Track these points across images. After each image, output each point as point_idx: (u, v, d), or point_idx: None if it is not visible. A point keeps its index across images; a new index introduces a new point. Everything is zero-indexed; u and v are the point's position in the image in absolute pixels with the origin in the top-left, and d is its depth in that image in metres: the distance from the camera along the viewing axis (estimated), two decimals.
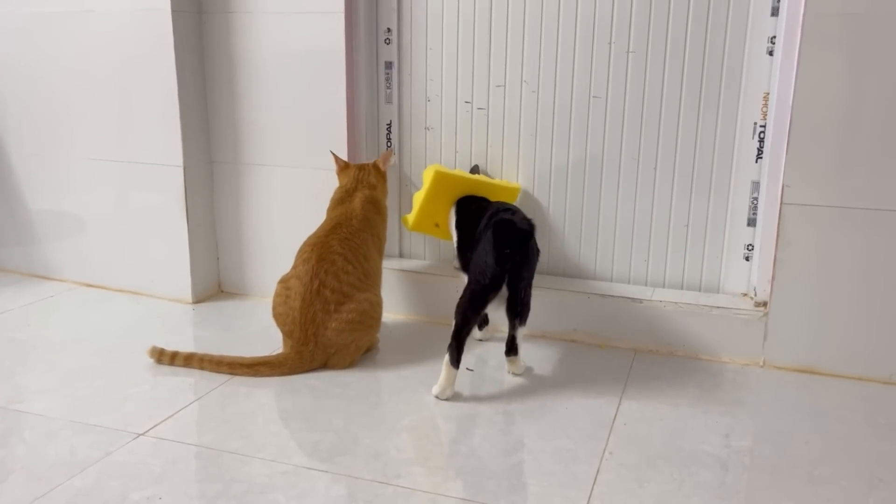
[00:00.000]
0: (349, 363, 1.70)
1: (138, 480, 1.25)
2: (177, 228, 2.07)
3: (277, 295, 1.72)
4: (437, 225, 1.90)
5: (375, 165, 1.87)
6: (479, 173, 1.94)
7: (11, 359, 1.73)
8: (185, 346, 1.78)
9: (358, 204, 1.80)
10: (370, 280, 1.74)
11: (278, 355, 1.68)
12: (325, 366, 1.69)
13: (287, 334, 1.69)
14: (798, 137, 1.62)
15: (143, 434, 1.40)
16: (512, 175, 1.95)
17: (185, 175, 2.04)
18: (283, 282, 1.72)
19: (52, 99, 2.15)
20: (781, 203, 1.66)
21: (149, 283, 2.16)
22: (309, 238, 1.76)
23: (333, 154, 1.88)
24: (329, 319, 1.65)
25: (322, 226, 1.78)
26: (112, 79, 2.06)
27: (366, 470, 1.29)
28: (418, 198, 1.87)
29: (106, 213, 2.18)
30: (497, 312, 1.62)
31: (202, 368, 1.66)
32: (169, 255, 2.10)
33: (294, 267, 1.72)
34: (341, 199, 1.82)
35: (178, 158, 2.02)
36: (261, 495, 1.21)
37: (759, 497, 1.23)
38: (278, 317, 1.71)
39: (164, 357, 1.68)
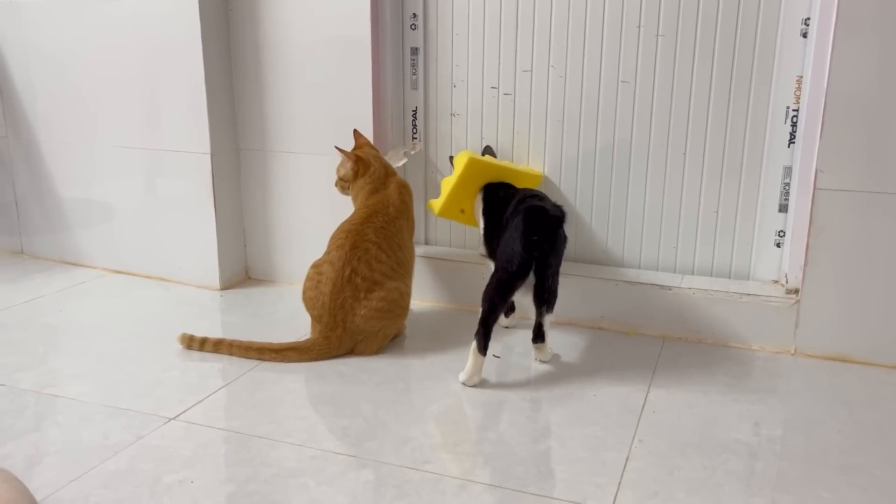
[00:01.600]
0: (376, 350, 1.70)
1: (170, 464, 1.26)
2: (204, 216, 2.09)
3: (308, 279, 1.72)
4: (462, 211, 1.89)
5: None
6: (492, 154, 1.93)
7: (45, 344, 1.76)
8: (213, 332, 1.79)
9: (394, 190, 1.79)
10: (403, 269, 1.74)
11: (306, 341, 1.69)
12: (352, 352, 1.70)
13: (316, 319, 1.69)
14: (832, 121, 1.59)
15: (173, 418, 1.41)
16: (539, 161, 1.94)
17: (212, 162, 2.05)
18: (316, 267, 1.73)
19: (81, 87, 2.17)
20: (815, 188, 1.63)
21: (177, 270, 2.18)
22: (344, 224, 1.76)
23: (340, 148, 1.82)
24: (358, 306, 1.65)
25: (357, 213, 1.77)
26: (140, 66, 2.08)
27: (394, 455, 1.29)
28: (447, 183, 1.86)
29: (135, 200, 2.20)
30: (524, 299, 1.62)
31: (231, 354, 1.68)
32: (197, 242, 2.12)
33: (327, 252, 1.73)
34: (375, 188, 1.79)
35: (206, 146, 2.04)
36: (290, 479, 1.22)
37: (792, 486, 1.22)
38: (308, 301, 1.71)
39: (194, 343, 1.70)
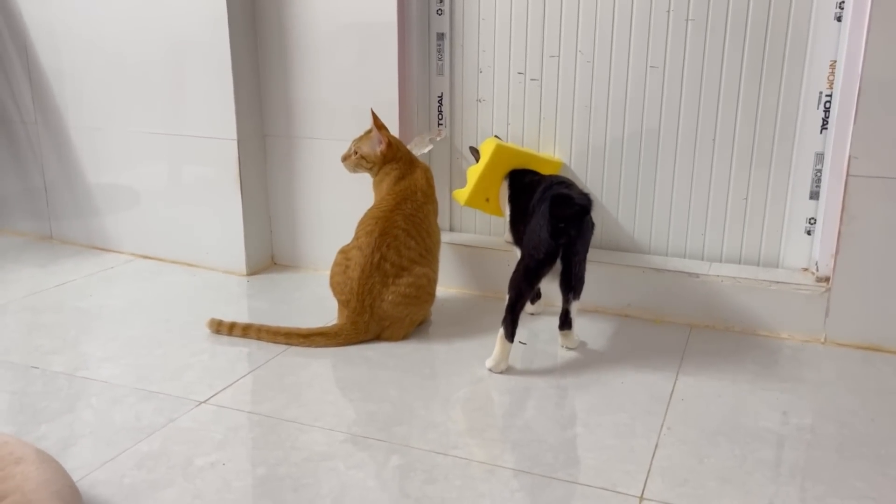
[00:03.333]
0: (403, 336, 1.71)
1: (202, 446, 1.28)
2: (231, 201, 2.10)
3: (336, 265, 1.73)
4: (487, 200, 1.89)
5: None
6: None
7: (76, 328, 1.78)
8: (240, 317, 1.81)
9: (420, 175, 1.79)
10: (430, 255, 1.74)
11: (333, 326, 1.70)
12: (378, 338, 1.70)
13: (343, 304, 1.70)
14: (867, 107, 1.56)
15: (204, 402, 1.43)
16: (565, 147, 1.93)
17: (238, 149, 2.06)
18: (344, 252, 1.73)
19: (109, 73, 2.19)
20: (847, 175, 1.61)
21: (204, 256, 2.20)
22: (372, 210, 1.76)
23: (378, 123, 1.78)
24: (386, 292, 1.66)
25: (386, 200, 1.75)
26: (167, 52, 2.09)
27: (422, 440, 1.30)
28: (474, 172, 1.85)
29: (162, 186, 2.22)
30: (551, 286, 1.61)
31: (259, 339, 1.69)
32: (223, 228, 2.14)
33: (356, 238, 1.73)
34: (402, 174, 1.78)
35: (232, 132, 2.04)
36: (321, 463, 1.23)
37: (824, 475, 1.21)
38: (336, 286, 1.72)
39: (223, 328, 1.71)
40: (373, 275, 1.66)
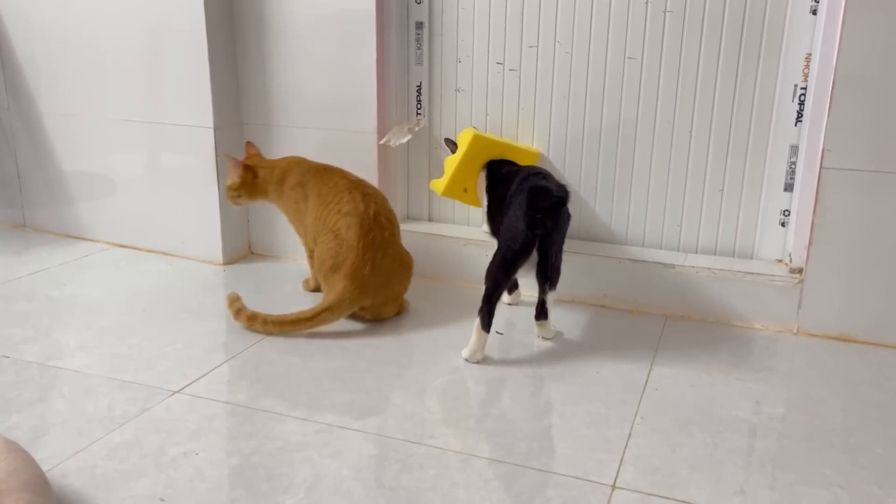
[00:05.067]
0: (395, 312, 1.75)
1: (175, 436, 1.27)
2: (208, 190, 2.08)
3: (325, 243, 1.69)
4: (465, 190, 1.88)
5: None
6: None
7: (49, 316, 1.76)
8: (217, 307, 1.80)
9: (325, 176, 1.80)
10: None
11: (332, 296, 1.66)
12: (374, 316, 1.71)
13: (334, 269, 1.66)
14: (841, 100, 1.58)
15: (178, 392, 1.42)
16: (544, 137, 1.93)
17: (215, 137, 2.04)
18: (328, 232, 1.70)
19: (84, 59, 2.16)
20: (821, 167, 1.62)
21: (180, 245, 2.18)
22: (335, 196, 1.72)
23: (228, 156, 1.83)
24: (387, 245, 1.67)
25: (339, 185, 1.74)
26: (143, 39, 2.06)
27: (398, 430, 1.30)
28: (451, 162, 1.85)
29: (138, 174, 2.19)
30: (527, 277, 1.62)
31: (267, 331, 1.65)
32: (200, 217, 2.12)
33: (336, 212, 1.70)
34: (301, 179, 1.79)
35: (209, 120, 2.03)
36: (295, 453, 1.23)
37: (794, 464, 1.23)
38: (325, 255, 1.68)
39: (236, 309, 1.67)
40: (372, 229, 1.66)
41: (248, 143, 1.93)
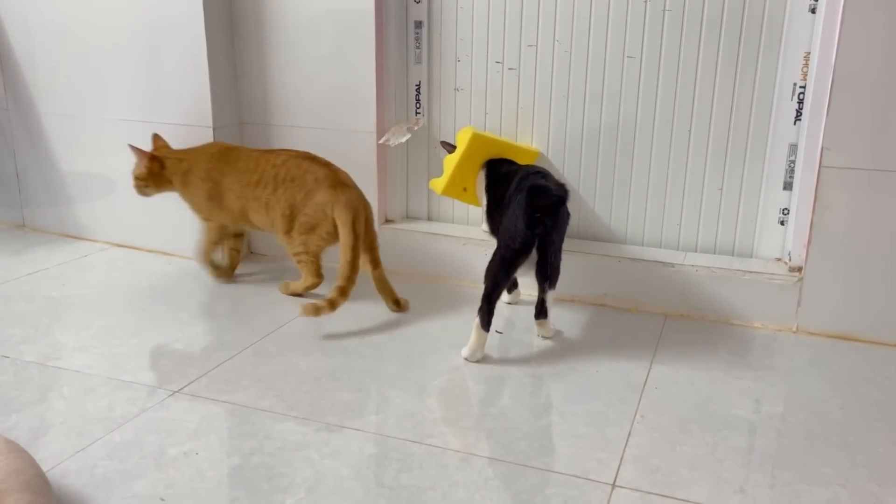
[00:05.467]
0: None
1: (175, 436, 1.27)
2: None
3: (291, 210, 1.79)
4: (464, 189, 1.88)
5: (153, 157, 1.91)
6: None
7: (48, 316, 1.76)
8: (215, 305, 1.81)
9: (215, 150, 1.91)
10: None
11: (343, 214, 1.73)
12: (371, 260, 1.80)
13: (310, 192, 1.77)
14: (840, 99, 1.58)
15: (178, 391, 1.42)
16: (543, 137, 1.93)
17: (214, 136, 2.04)
18: (287, 199, 1.79)
19: (83, 59, 2.16)
20: (820, 166, 1.62)
21: (179, 244, 2.17)
22: (273, 169, 1.82)
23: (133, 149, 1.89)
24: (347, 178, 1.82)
25: (260, 162, 1.84)
26: (142, 39, 2.06)
27: (398, 429, 1.30)
28: (450, 161, 1.85)
29: None
30: (527, 276, 1.61)
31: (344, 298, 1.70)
32: None
33: (285, 182, 1.79)
34: (210, 166, 1.87)
35: (208, 119, 2.02)
36: (295, 452, 1.23)
37: (793, 462, 1.23)
38: (305, 223, 1.78)
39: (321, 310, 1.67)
40: (337, 167, 1.80)
41: (155, 136, 1.96)
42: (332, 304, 1.66)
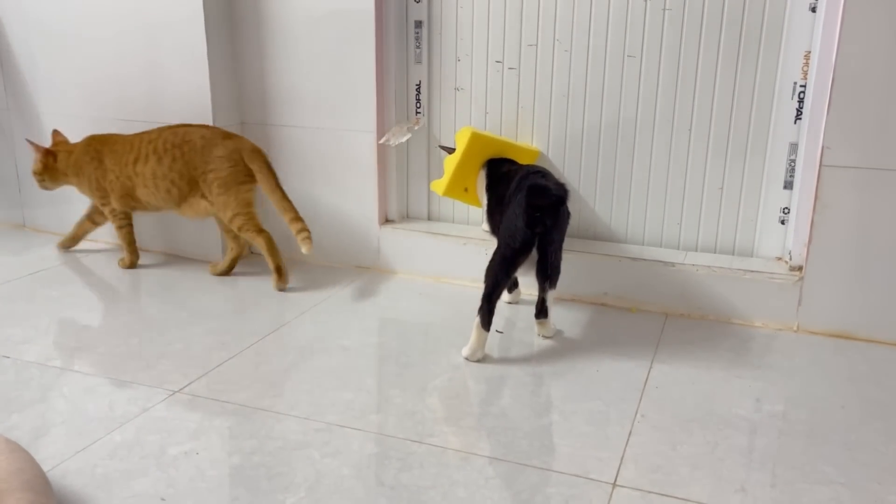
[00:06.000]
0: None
1: (176, 436, 1.27)
2: None
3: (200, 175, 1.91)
4: (465, 190, 1.88)
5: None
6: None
7: (49, 316, 1.76)
8: (216, 305, 1.80)
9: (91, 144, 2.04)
10: None
11: (257, 163, 1.90)
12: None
13: (205, 150, 1.89)
14: (840, 98, 1.58)
15: (178, 391, 1.42)
16: (543, 136, 1.93)
17: None
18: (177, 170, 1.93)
19: (83, 59, 2.16)
20: (820, 165, 1.62)
21: (180, 244, 2.18)
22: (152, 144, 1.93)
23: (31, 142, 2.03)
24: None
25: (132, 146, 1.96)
26: (142, 39, 2.06)
27: (398, 429, 1.30)
28: (451, 162, 1.85)
29: None
30: (527, 275, 1.61)
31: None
32: None
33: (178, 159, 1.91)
34: (87, 155, 2.01)
35: (209, 120, 2.02)
36: (295, 451, 1.23)
37: (795, 461, 1.23)
38: (224, 175, 1.89)
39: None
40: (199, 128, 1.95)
41: (55, 132, 2.06)
42: (303, 233, 1.86)
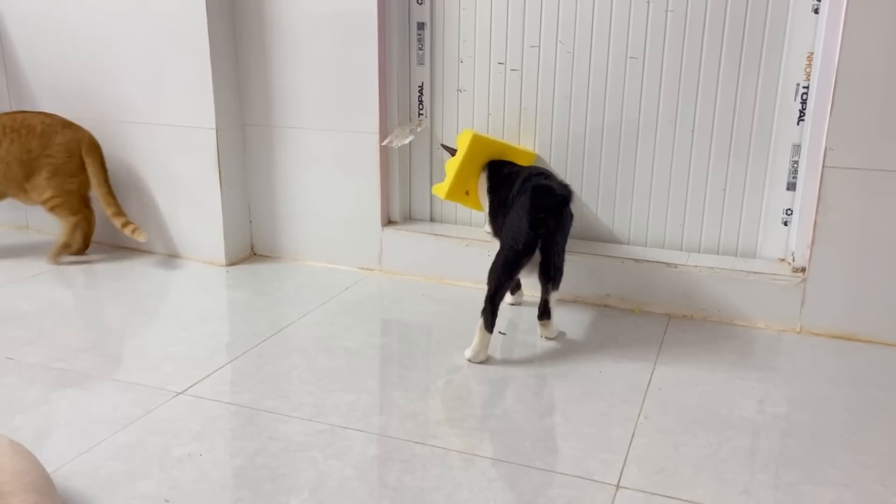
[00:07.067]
0: None
1: (179, 437, 1.27)
2: (210, 191, 2.08)
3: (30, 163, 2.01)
4: (467, 193, 1.88)
5: None
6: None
7: (52, 318, 1.76)
8: (220, 307, 1.81)
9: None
10: None
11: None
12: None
13: (45, 135, 2.00)
14: (843, 99, 1.58)
15: (181, 393, 1.42)
16: (546, 138, 1.93)
17: (217, 138, 2.04)
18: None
19: (85, 61, 2.16)
20: (823, 166, 1.62)
21: (183, 246, 2.18)
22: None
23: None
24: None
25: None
26: (145, 41, 2.06)
27: (401, 430, 1.30)
28: (452, 165, 1.85)
29: (139, 175, 2.19)
30: (530, 277, 1.61)
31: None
32: (202, 218, 2.12)
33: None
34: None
35: (211, 121, 2.03)
36: (298, 453, 1.23)
37: (798, 462, 1.23)
38: (48, 165, 2.00)
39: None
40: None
41: None
42: (129, 225, 2.02)
